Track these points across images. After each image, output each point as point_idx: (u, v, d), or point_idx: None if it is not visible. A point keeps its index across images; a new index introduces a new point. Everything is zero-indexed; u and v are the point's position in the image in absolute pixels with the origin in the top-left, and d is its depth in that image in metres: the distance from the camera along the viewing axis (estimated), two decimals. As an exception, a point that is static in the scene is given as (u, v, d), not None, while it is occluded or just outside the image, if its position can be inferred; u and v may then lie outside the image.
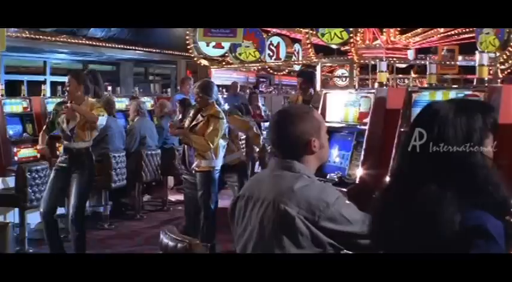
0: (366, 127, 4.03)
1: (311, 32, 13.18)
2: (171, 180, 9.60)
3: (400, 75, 18.41)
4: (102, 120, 5.90)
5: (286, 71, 18.93)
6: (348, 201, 2.36)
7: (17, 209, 6.83)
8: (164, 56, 18.95)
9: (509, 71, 15.20)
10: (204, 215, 6.19)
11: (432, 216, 1.74)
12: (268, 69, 17.46)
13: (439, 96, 3.74)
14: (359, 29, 13.23)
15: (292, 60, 17.43)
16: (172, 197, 9.41)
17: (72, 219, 5.93)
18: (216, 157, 6.12)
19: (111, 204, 7.97)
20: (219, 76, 15.56)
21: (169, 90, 13.22)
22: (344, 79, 20.63)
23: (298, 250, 2.28)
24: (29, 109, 7.81)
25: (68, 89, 5.94)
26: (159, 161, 8.45)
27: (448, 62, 15.99)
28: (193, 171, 6.18)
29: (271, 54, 16.62)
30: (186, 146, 6.42)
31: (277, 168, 2.44)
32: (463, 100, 2.79)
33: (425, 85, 4.13)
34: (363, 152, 3.95)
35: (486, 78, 4.00)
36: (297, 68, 19.21)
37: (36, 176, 6.44)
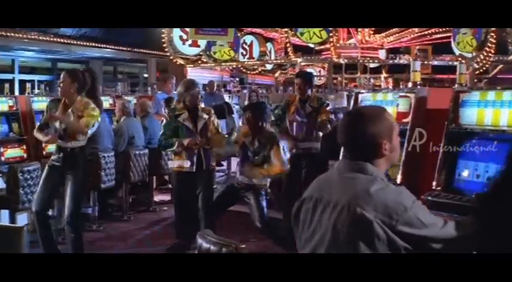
0: (407, 127, 4.00)
1: (291, 32, 13.17)
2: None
3: (367, 75, 18.58)
4: (94, 127, 5.79)
5: (259, 70, 18.90)
6: (422, 204, 2.31)
7: (4, 211, 6.65)
8: (134, 55, 18.76)
9: (481, 71, 15.47)
10: (205, 213, 6.10)
11: None
12: (242, 68, 17.40)
13: (492, 96, 3.63)
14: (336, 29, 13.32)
15: (265, 59, 17.42)
16: (156, 198, 9.25)
17: (68, 221, 5.74)
18: None
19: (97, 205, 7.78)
20: (193, 75, 15.39)
21: (149, 88, 12.95)
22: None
23: None
24: (15, 108, 7.56)
25: (61, 85, 5.73)
26: (147, 161, 8.28)
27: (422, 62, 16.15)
28: (203, 170, 6.14)
29: (244, 53, 16.59)
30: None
31: (348, 170, 2.36)
32: None
33: (457, 85, 4.06)
34: (404, 152, 3.90)
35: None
36: (269, 67, 19.24)
37: (28, 176, 6.23)
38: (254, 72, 18.29)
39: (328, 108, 6.98)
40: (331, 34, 12.56)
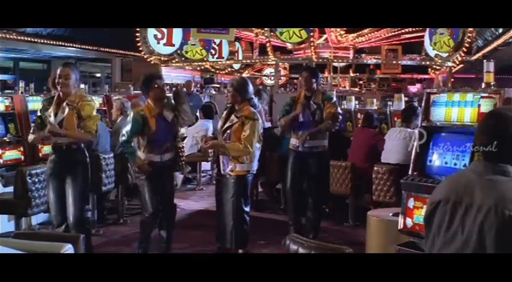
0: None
1: (271, 33, 13.07)
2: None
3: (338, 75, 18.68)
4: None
5: (229, 70, 18.78)
6: None
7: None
8: (98, 54, 18.37)
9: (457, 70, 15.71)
10: (234, 219, 5.89)
11: None
12: (211, 68, 17.23)
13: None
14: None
15: (234, 58, 17.31)
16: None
17: (73, 228, 5.42)
18: (252, 161, 5.86)
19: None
20: (166, 75, 15.14)
21: (131, 87, 12.60)
22: (272, 78, 20.78)
23: None
24: (11, 108, 7.21)
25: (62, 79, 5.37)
26: (144, 162, 8.05)
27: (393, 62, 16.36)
28: (228, 176, 5.89)
29: (213, 52, 16.45)
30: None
31: (488, 172, 2.30)
32: None
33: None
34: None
35: None
36: (236, 66, 19.12)
37: (36, 180, 5.97)
38: (223, 72, 18.13)
39: (332, 102, 6.80)
40: (311, 34, 12.54)
